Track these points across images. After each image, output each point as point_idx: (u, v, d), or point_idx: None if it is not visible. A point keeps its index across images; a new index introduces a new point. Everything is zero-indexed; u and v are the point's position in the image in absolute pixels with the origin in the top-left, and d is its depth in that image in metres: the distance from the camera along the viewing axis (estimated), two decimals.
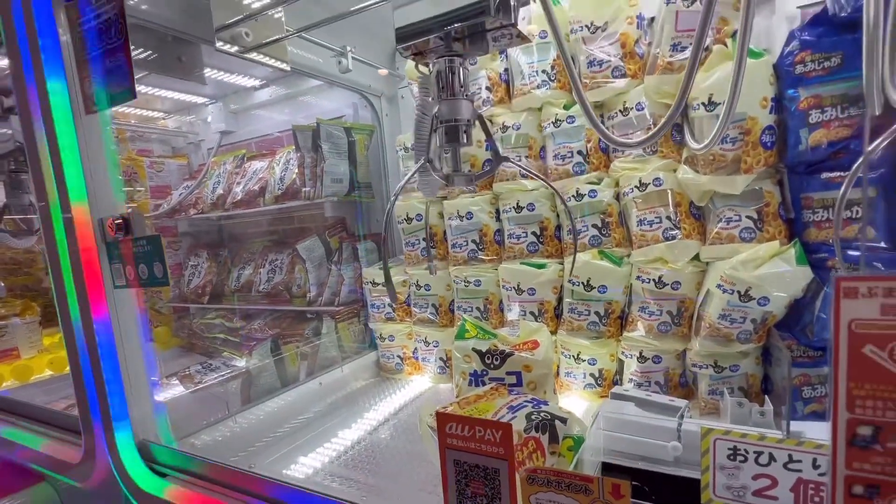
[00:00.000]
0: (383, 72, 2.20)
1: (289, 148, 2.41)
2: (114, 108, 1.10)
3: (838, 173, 1.23)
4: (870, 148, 0.86)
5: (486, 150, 1.76)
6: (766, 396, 1.26)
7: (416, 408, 1.81)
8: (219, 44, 1.29)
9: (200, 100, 2.80)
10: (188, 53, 1.47)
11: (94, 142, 1.10)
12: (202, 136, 3.03)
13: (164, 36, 1.41)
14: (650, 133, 0.88)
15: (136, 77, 0.97)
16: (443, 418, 0.76)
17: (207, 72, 2.29)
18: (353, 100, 2.35)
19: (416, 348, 2.03)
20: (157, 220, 2.77)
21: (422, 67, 1.06)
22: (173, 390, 2.07)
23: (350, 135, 2.16)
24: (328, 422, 1.70)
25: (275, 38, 1.43)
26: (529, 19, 1.63)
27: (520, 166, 1.18)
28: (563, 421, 1.06)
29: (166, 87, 2.56)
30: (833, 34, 1.19)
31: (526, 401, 1.12)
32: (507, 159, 1.11)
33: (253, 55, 1.43)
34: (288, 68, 1.50)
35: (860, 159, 0.88)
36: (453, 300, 1.91)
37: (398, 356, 2.08)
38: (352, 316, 2.19)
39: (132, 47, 0.96)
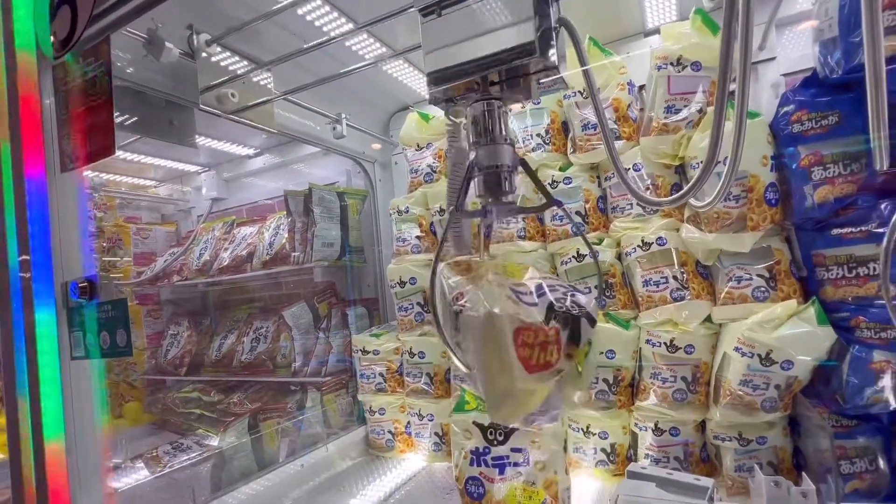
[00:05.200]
0: (376, 146, 2.23)
1: (280, 214, 2.38)
2: (105, 176, 1.05)
3: (849, 229, 1.19)
4: None
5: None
6: (803, 473, 1.13)
7: (408, 492, 1.62)
8: (203, 105, 1.28)
9: (193, 168, 2.80)
10: (180, 117, 1.45)
11: (68, 201, 1.03)
12: (193, 204, 3.00)
13: (157, 100, 1.40)
14: (682, 191, 0.83)
15: (127, 141, 0.93)
16: None
17: (202, 140, 2.30)
18: (347, 166, 2.35)
19: (409, 422, 1.87)
20: (139, 287, 2.65)
21: (452, 116, 1.00)
22: (138, 474, 1.86)
23: (343, 199, 2.14)
24: None
25: (261, 100, 1.43)
26: None
27: (569, 215, 1.09)
28: (592, 322, 0.90)
29: (159, 156, 2.56)
30: (827, 94, 1.20)
31: (558, 284, 0.95)
32: (559, 203, 0.98)
33: (239, 117, 1.42)
34: (274, 131, 1.49)
35: None
36: (449, 368, 1.78)
37: (389, 432, 1.90)
38: (339, 387, 2.04)
39: (120, 113, 0.93)
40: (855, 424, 1.19)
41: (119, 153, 2.26)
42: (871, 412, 1.17)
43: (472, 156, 0.89)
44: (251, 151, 2.57)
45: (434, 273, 0.89)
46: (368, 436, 1.97)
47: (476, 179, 0.89)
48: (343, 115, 1.82)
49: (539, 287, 0.90)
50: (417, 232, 1.85)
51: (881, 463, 1.18)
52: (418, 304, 1.80)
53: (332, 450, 1.83)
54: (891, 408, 1.15)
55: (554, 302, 0.87)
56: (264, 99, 1.45)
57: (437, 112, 1.99)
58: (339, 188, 2.21)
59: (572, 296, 0.91)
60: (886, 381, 1.15)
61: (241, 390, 2.36)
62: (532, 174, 0.99)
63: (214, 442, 2.01)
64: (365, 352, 1.92)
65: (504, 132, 0.89)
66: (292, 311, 2.14)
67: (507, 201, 0.91)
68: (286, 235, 2.18)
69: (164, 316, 2.80)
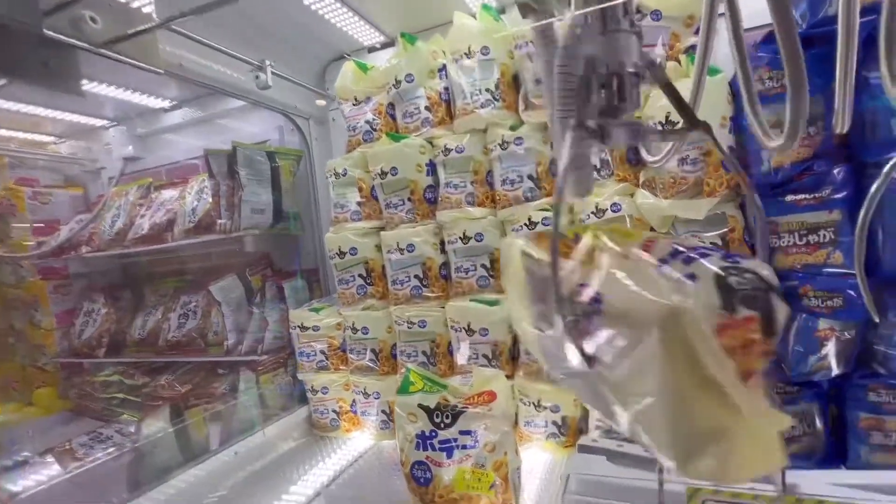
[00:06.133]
0: (321, 102, 2.00)
1: (203, 176, 2.12)
2: None
3: (802, 196, 1.15)
4: None
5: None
6: None
7: (356, 471, 1.54)
8: (49, 31, 1.01)
9: (99, 122, 2.44)
10: (56, 58, 1.18)
11: None
12: (102, 164, 2.64)
13: (24, 36, 1.12)
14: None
15: None
16: None
17: (104, 89, 1.98)
18: (279, 123, 2.11)
19: (354, 401, 1.77)
20: (40, 259, 2.33)
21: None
22: (49, 470, 1.67)
23: (273, 160, 1.92)
24: (244, 501, 1.39)
25: (138, 29, 1.15)
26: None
27: (715, 140, 0.69)
28: (779, 293, 0.54)
29: (55, 106, 2.19)
30: None
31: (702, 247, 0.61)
32: (706, 125, 0.68)
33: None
34: (160, 71, 1.23)
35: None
36: (395, 344, 1.68)
37: (334, 411, 1.80)
38: (278, 366, 1.89)
39: None
40: (797, 391, 1.21)
41: None
42: (814, 379, 1.18)
43: (586, 50, 0.62)
44: (166, 104, 2.26)
45: (555, 250, 0.57)
46: (311, 416, 1.86)
47: (590, 86, 0.63)
48: (267, 63, 1.59)
49: (679, 253, 0.57)
50: (357, 197, 1.69)
51: (818, 426, 1.21)
52: (360, 276, 1.66)
53: (270, 433, 1.71)
54: (832, 374, 1.16)
55: (725, 275, 0.52)
56: (142, 28, 1.17)
57: (376, 61, 1.79)
58: (270, 147, 1.98)
59: (734, 261, 0.56)
60: (829, 348, 1.15)
61: (169, 372, 2.17)
62: (665, 83, 0.68)
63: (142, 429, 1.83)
64: (304, 328, 1.78)
65: (629, 16, 0.61)
66: (221, 286, 1.94)
67: (631, 122, 0.64)
68: (210, 201, 1.95)
69: (74, 291, 2.49)
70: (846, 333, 1.13)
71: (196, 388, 2.00)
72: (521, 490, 1.22)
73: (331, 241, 1.67)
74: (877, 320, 0.87)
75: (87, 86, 1.83)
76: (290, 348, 1.91)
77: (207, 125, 2.33)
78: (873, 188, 0.73)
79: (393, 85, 1.61)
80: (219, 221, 1.88)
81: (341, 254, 1.65)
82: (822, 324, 1.14)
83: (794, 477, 0.98)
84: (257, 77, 1.58)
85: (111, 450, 1.55)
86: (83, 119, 2.37)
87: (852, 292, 1.11)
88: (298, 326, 1.78)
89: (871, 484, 0.93)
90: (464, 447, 1.18)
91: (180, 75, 1.44)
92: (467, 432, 1.18)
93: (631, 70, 0.64)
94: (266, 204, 1.88)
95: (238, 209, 1.81)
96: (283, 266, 2.09)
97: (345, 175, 1.68)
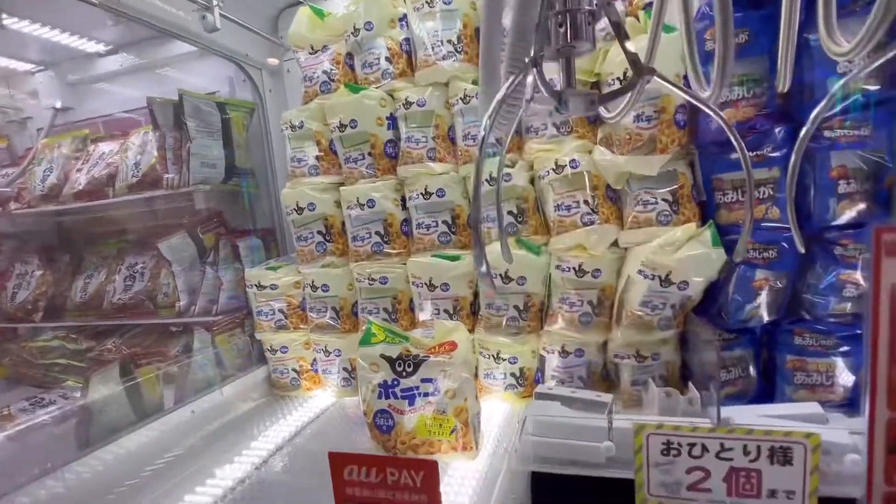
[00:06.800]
0: (273, 61, 1.89)
1: (146, 128, 1.98)
2: None
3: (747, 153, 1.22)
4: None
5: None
6: (689, 383, 1.22)
7: (318, 427, 1.55)
8: None
9: (22, 66, 2.22)
10: None
11: None
12: (29, 113, 2.41)
13: None
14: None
15: None
16: (338, 460, 0.55)
17: (25, 27, 1.79)
18: (229, 74, 1.99)
19: (314, 360, 1.76)
20: None
21: None
22: None
23: (224, 111, 1.82)
24: (202, 459, 1.38)
25: None
26: None
27: (669, 82, 0.73)
28: None
29: None
30: (740, 9, 1.16)
31: None
32: (653, 71, 0.71)
33: None
34: (95, 2, 1.12)
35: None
36: (356, 302, 1.67)
37: (294, 370, 1.79)
38: (234, 326, 1.85)
39: None
40: (734, 338, 1.30)
41: None
42: (749, 326, 1.28)
43: None
44: (101, 48, 2.07)
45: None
46: (271, 376, 1.84)
47: (550, 21, 0.65)
48: (215, 2, 1.48)
49: None
50: (315, 151, 1.63)
51: (751, 370, 1.32)
52: (319, 233, 1.63)
53: (228, 393, 1.68)
54: (764, 321, 1.26)
55: None
56: None
57: (333, 8, 1.71)
58: (220, 98, 1.87)
59: None
60: (763, 297, 1.25)
61: (116, 335, 2.08)
62: (616, 23, 0.70)
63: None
64: (261, 287, 1.73)
65: None
66: (170, 244, 1.85)
67: (583, 91, 0.68)
68: (156, 154, 1.84)
69: (5, 252, 2.31)
70: (778, 283, 1.23)
71: (147, 351, 1.92)
72: (481, 434, 1.27)
73: (288, 196, 1.62)
74: (802, 250, 0.95)
75: (6, 20, 1.65)
76: (246, 309, 1.87)
77: (149, 74, 2.16)
78: (802, 132, 0.78)
79: (351, 33, 1.55)
80: (166, 176, 1.77)
81: (299, 209, 1.61)
82: (759, 274, 1.23)
83: (727, 412, 1.08)
84: (204, 17, 1.47)
85: (54, 409, 1.48)
86: (4, 61, 2.15)
87: (786, 244, 1.21)
88: (255, 285, 1.74)
89: (791, 414, 1.03)
90: (425, 395, 1.21)
91: (117, 10, 1.32)
92: (429, 380, 1.21)
93: (587, 8, 0.65)
94: (217, 158, 1.79)
95: (187, 163, 1.72)
96: (238, 226, 2.01)
97: (301, 128, 1.62)
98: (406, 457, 0.74)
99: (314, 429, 1.54)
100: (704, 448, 0.96)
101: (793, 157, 0.83)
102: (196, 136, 1.71)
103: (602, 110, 1.22)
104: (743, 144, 0.76)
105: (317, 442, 1.45)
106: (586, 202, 1.35)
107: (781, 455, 0.91)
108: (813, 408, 1.05)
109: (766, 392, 1.33)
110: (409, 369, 1.23)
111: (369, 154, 1.55)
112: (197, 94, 1.78)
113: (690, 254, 1.21)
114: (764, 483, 0.92)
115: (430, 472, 0.48)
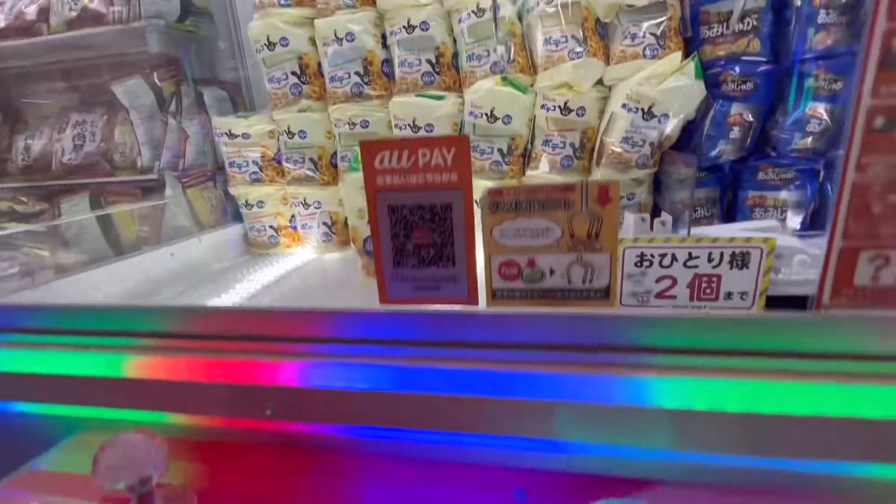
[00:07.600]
0: None
1: None
2: None
3: None
4: None
5: None
6: (662, 212, 1.31)
7: (301, 274, 1.57)
8: None
9: None
10: None
11: None
12: None
13: None
14: None
15: None
16: (370, 148, 0.56)
17: None
18: None
19: (293, 215, 1.74)
20: None
21: None
22: None
23: None
24: (187, 297, 1.39)
25: None
26: None
27: None
28: None
29: None
30: None
31: None
32: None
33: None
34: None
35: None
36: (335, 152, 1.63)
37: (271, 227, 1.77)
38: (206, 179, 1.77)
39: None
40: (706, 176, 1.39)
41: None
42: (719, 163, 1.36)
43: None
44: None
45: None
46: (248, 234, 1.82)
47: None
48: None
49: None
50: None
51: (717, 210, 1.42)
52: (293, 73, 1.53)
53: (205, 244, 1.66)
54: (733, 157, 1.34)
55: None
56: None
57: None
58: None
59: None
60: (735, 133, 1.31)
61: (72, 194, 1.95)
62: None
63: (47, 254, 1.67)
64: (232, 135, 1.65)
65: None
66: (126, 87, 1.69)
67: None
68: None
69: None
70: (750, 116, 1.29)
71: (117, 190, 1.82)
72: None
73: (257, 28, 1.49)
74: None
75: None
76: (217, 162, 1.79)
77: None
78: None
79: None
80: (110, 9, 1.58)
81: (270, 45, 1.49)
82: (734, 108, 1.29)
83: (695, 231, 1.18)
84: None
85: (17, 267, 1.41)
86: None
87: (763, 78, 1.25)
88: (226, 133, 1.65)
89: (753, 228, 1.14)
90: None
91: None
92: None
93: None
94: None
95: None
96: (197, 75, 1.85)
97: None
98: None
99: (298, 275, 1.57)
100: (674, 257, 1.06)
101: None
102: None
103: None
104: None
105: (301, 279, 1.49)
106: (574, 37, 1.32)
107: (741, 259, 1.02)
108: (771, 223, 1.16)
109: None
110: None
111: None
112: None
113: (674, 85, 1.24)
114: (722, 287, 1.03)
115: (461, 149, 0.51)
